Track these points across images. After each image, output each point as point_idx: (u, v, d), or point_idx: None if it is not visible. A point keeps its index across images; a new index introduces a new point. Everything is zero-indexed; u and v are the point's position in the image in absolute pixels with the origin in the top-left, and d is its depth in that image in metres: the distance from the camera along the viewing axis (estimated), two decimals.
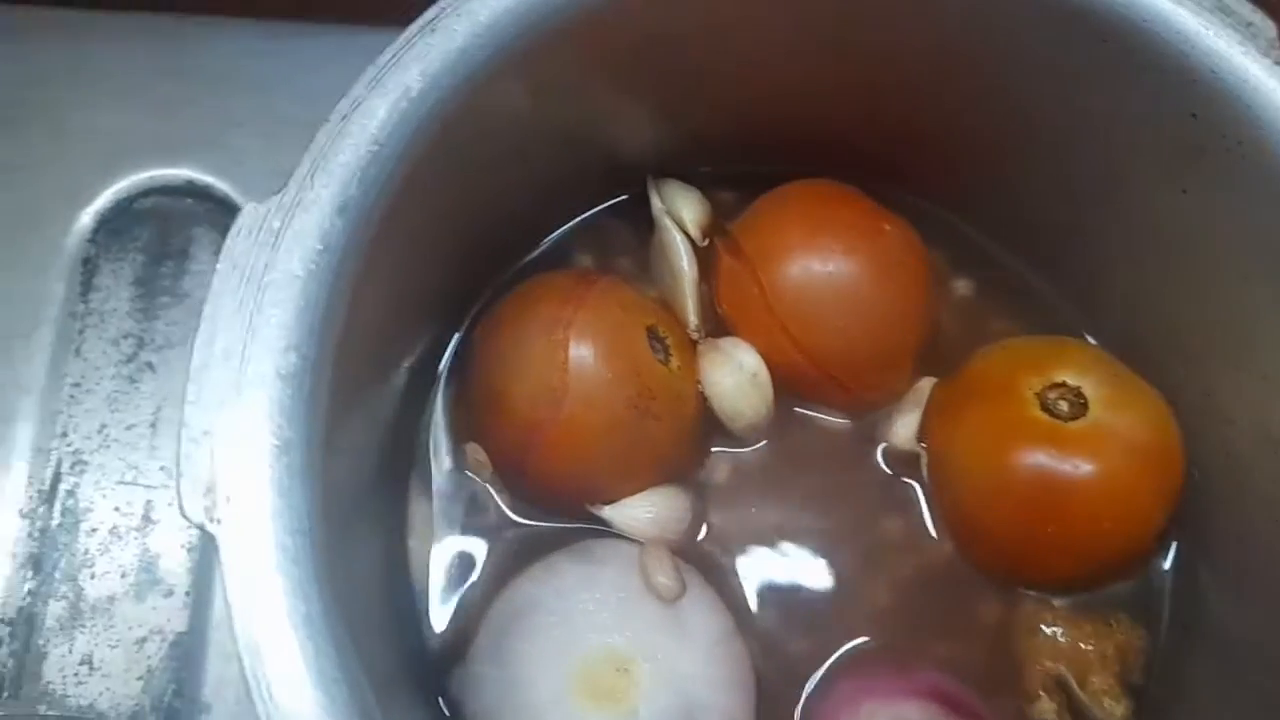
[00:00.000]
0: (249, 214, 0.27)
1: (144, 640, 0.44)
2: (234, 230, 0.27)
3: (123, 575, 0.45)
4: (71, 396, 0.47)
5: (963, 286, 0.44)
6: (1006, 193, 0.42)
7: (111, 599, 0.44)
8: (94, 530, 0.45)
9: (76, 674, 0.44)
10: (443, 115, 0.30)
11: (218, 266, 0.26)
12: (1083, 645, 0.37)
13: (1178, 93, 0.32)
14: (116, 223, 0.49)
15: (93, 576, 0.45)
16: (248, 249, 0.27)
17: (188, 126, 0.50)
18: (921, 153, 0.42)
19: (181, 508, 0.24)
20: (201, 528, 0.24)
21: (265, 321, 0.26)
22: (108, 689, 0.44)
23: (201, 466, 0.25)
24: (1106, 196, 0.38)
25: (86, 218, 0.49)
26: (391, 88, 0.29)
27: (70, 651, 0.44)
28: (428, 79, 0.29)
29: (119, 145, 0.50)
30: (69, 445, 0.46)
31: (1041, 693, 0.37)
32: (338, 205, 0.28)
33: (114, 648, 0.44)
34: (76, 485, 0.46)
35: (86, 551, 0.45)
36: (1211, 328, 0.37)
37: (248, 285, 0.27)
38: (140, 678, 0.44)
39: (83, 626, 0.44)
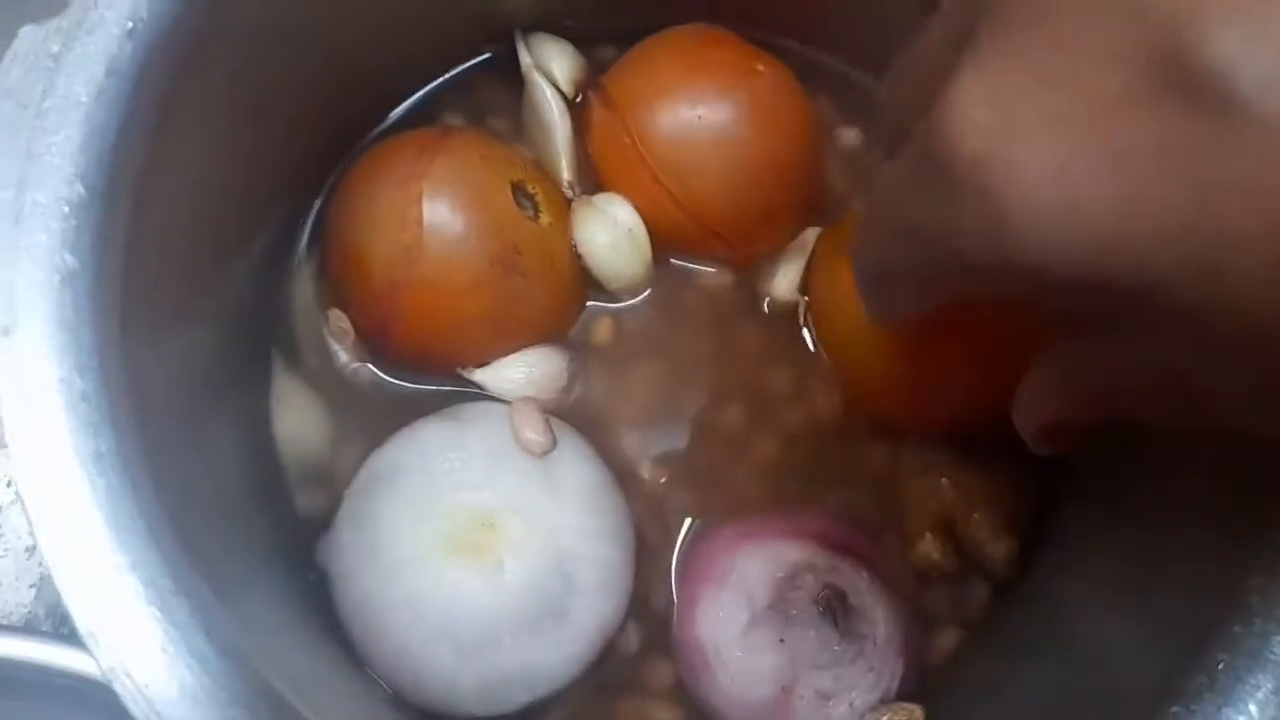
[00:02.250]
0: (25, 37, 0.25)
1: (33, 548, 0.43)
2: (8, 56, 0.25)
3: (9, 484, 0.44)
4: None
5: (849, 135, 0.42)
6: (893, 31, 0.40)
7: None
8: None
9: None
10: None
11: None
12: (968, 487, 0.36)
13: None
14: None
15: None
16: (23, 75, 0.25)
17: None
18: None
19: None
20: None
21: (45, 150, 0.25)
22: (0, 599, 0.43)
23: None
24: None
25: None
26: None
27: None
28: None
29: None
30: None
31: (928, 533, 0.36)
32: (125, 29, 0.26)
33: (3, 557, 0.43)
34: None
35: None
36: None
37: (25, 113, 0.25)
38: (33, 585, 0.43)
39: None
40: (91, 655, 0.23)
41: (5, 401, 0.23)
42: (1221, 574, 0.27)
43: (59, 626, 0.43)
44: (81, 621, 0.23)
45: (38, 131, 0.25)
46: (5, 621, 0.43)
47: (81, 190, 0.25)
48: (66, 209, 0.24)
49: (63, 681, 0.30)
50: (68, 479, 0.23)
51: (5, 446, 0.38)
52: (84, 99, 0.25)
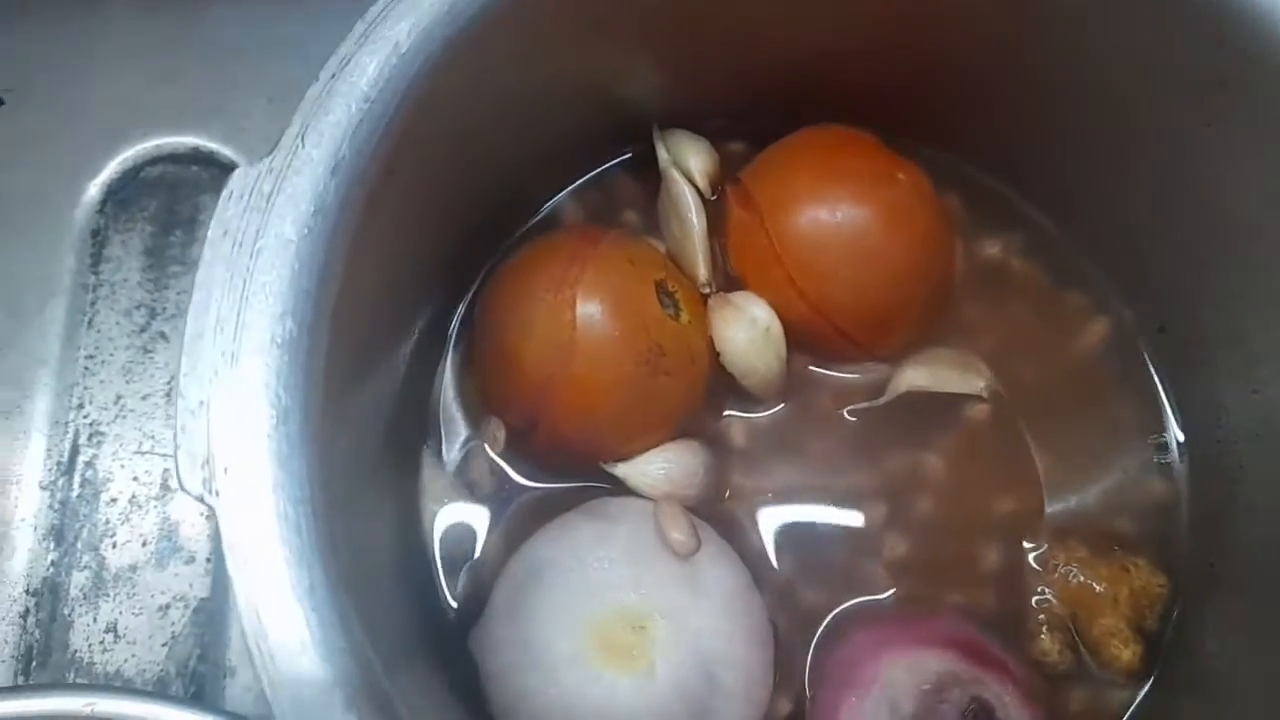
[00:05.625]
0: (239, 178, 0.27)
1: (167, 607, 0.44)
2: (224, 195, 0.26)
3: (144, 544, 0.45)
4: (86, 369, 0.47)
5: (990, 245, 0.43)
6: (1032, 149, 0.41)
7: (134, 567, 0.45)
8: (114, 500, 0.46)
9: (102, 642, 0.44)
10: (435, 70, 0.29)
11: (208, 234, 0.26)
12: (1096, 587, 0.37)
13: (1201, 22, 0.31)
14: (124, 193, 0.49)
15: (114, 546, 0.45)
16: (239, 214, 0.26)
17: (191, 94, 0.50)
18: (947, 101, 0.40)
19: (180, 481, 0.24)
20: (201, 500, 0.24)
21: (259, 288, 0.26)
22: (133, 656, 0.44)
23: (198, 439, 0.25)
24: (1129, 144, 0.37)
25: (94, 189, 0.49)
26: (381, 43, 0.28)
27: (95, 620, 0.44)
28: (418, 32, 0.29)
29: (123, 116, 0.50)
30: (85, 417, 0.47)
31: (1044, 632, 0.36)
32: (330, 166, 0.27)
33: (138, 615, 0.44)
34: (95, 456, 0.46)
35: (107, 521, 0.45)
36: (1242, 271, 0.36)
37: (240, 251, 0.26)
38: (165, 644, 0.44)
39: (106, 595, 0.44)
40: None
41: (227, 535, 0.24)
42: None
43: (189, 685, 0.44)
44: None
45: (252, 272, 0.26)
46: (139, 680, 0.45)
47: (292, 326, 0.26)
48: (279, 346, 0.25)
49: None
50: (287, 613, 0.24)
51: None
52: (293, 237, 0.26)
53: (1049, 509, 0.39)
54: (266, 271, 0.26)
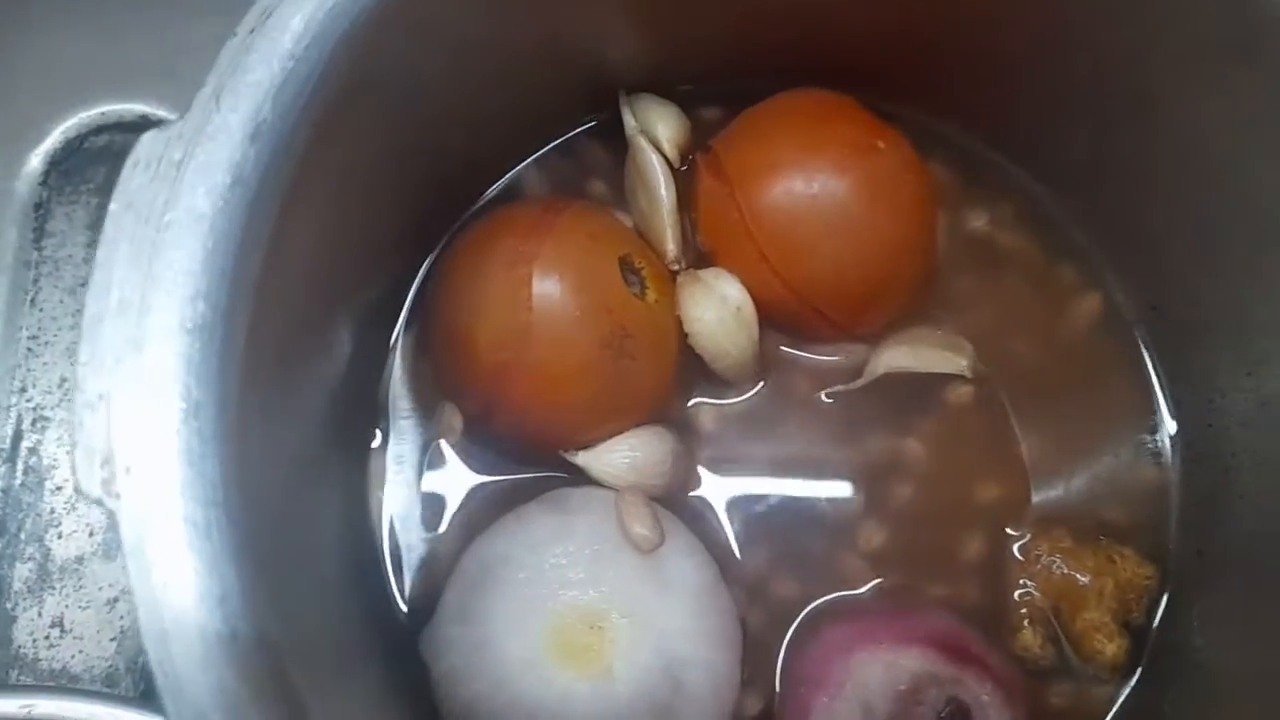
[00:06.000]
0: (146, 144, 0.24)
1: (115, 600, 0.42)
2: (129, 164, 0.24)
3: (91, 534, 0.43)
4: (29, 350, 0.45)
5: (977, 218, 0.40)
6: (1027, 113, 0.38)
7: (80, 559, 0.43)
8: (59, 488, 0.43)
9: (48, 637, 0.42)
10: (371, 24, 0.27)
11: (110, 207, 0.23)
12: (1080, 578, 0.35)
13: None
14: (67, 164, 0.47)
15: (59, 536, 0.43)
16: (145, 185, 0.24)
17: (139, 56, 0.47)
18: (933, 63, 0.38)
19: (76, 481, 0.22)
20: (99, 503, 0.22)
21: (167, 267, 0.23)
22: (80, 651, 0.42)
23: (97, 434, 0.22)
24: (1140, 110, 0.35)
25: (35, 160, 0.47)
26: None
27: (40, 615, 0.42)
28: None
29: (65, 81, 0.47)
30: (29, 401, 0.45)
31: (1026, 625, 0.35)
32: (249, 132, 0.25)
33: (85, 609, 0.42)
34: (39, 443, 0.44)
35: (52, 511, 0.43)
36: (1239, 248, 0.33)
37: (146, 227, 0.24)
38: (114, 639, 0.42)
39: (52, 588, 0.43)
40: None
41: (128, 542, 0.22)
42: None
43: (139, 682, 0.43)
44: None
45: (159, 249, 0.23)
46: (86, 676, 0.43)
47: (205, 310, 0.23)
48: (190, 332, 0.23)
49: None
50: (195, 630, 0.22)
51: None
52: (206, 211, 0.24)
53: (1035, 497, 0.38)
54: (175, 248, 0.24)
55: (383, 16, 0.27)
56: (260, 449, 0.26)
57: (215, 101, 0.25)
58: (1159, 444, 0.38)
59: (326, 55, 0.26)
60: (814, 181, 0.36)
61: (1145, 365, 0.39)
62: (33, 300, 0.45)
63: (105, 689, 0.42)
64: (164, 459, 0.22)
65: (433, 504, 0.36)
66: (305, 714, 0.23)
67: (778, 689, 0.35)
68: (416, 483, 0.37)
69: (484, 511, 0.35)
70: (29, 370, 0.45)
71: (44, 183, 0.47)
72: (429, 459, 0.37)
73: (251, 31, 0.25)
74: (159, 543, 0.22)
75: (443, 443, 0.37)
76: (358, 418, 0.36)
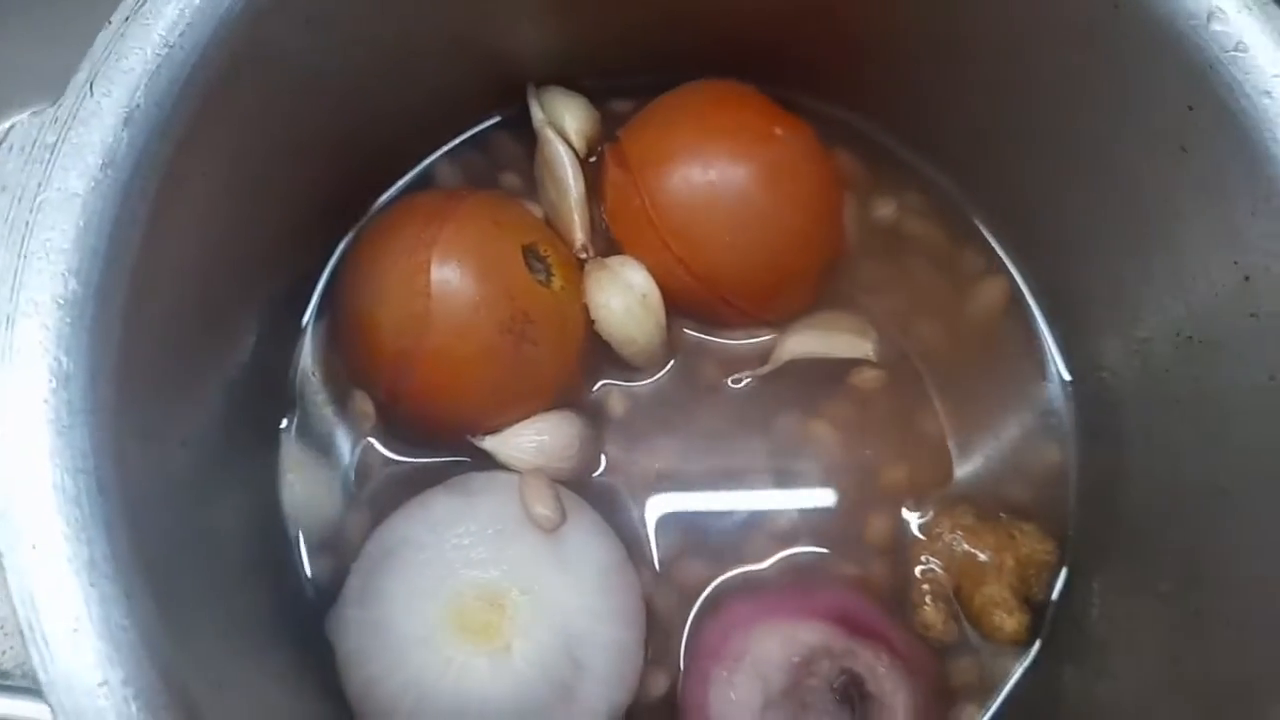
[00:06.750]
0: (20, 128, 0.25)
1: None
2: (4, 147, 0.25)
3: None
4: None
5: (884, 205, 0.41)
6: (927, 104, 0.39)
7: None
8: None
9: None
10: (254, 11, 0.27)
11: None
12: (980, 555, 0.35)
13: None
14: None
15: None
16: (19, 168, 0.25)
17: (79, 56, 0.48)
18: (839, 56, 0.38)
19: None
20: None
21: (39, 245, 0.24)
22: (10, 648, 0.42)
23: None
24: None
25: None
26: None
27: None
28: None
29: (1, 82, 0.47)
30: None
31: (927, 602, 0.35)
32: (122, 117, 0.25)
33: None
34: None
35: None
36: (1124, 224, 0.34)
37: (19, 206, 0.24)
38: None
39: None
40: None
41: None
42: None
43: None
44: None
45: (31, 227, 0.24)
46: (18, 673, 0.43)
47: (76, 286, 0.24)
48: (60, 307, 0.24)
49: None
50: (60, 588, 0.22)
51: None
52: (79, 191, 0.25)
53: (939, 477, 0.38)
54: (48, 228, 0.24)
55: (264, 8, 0.28)
56: (146, 426, 0.27)
57: (89, 87, 0.25)
58: (1058, 423, 0.39)
59: (202, 44, 0.27)
60: (711, 169, 0.36)
61: (1044, 347, 0.40)
62: None
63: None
64: (34, 427, 0.23)
65: (343, 488, 0.37)
66: (183, 679, 0.24)
67: (681, 667, 0.35)
68: (328, 467, 0.37)
69: (395, 496, 0.36)
70: None
71: None
72: (341, 444, 0.37)
73: (126, 19, 0.26)
74: (27, 507, 0.23)
75: (355, 428, 0.37)
76: (267, 402, 0.37)
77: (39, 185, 0.24)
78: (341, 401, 0.38)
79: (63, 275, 0.24)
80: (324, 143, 0.35)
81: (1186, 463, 0.33)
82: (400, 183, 0.40)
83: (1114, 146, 0.33)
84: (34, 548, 0.23)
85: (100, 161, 0.25)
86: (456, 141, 0.41)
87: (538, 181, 0.40)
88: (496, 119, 0.41)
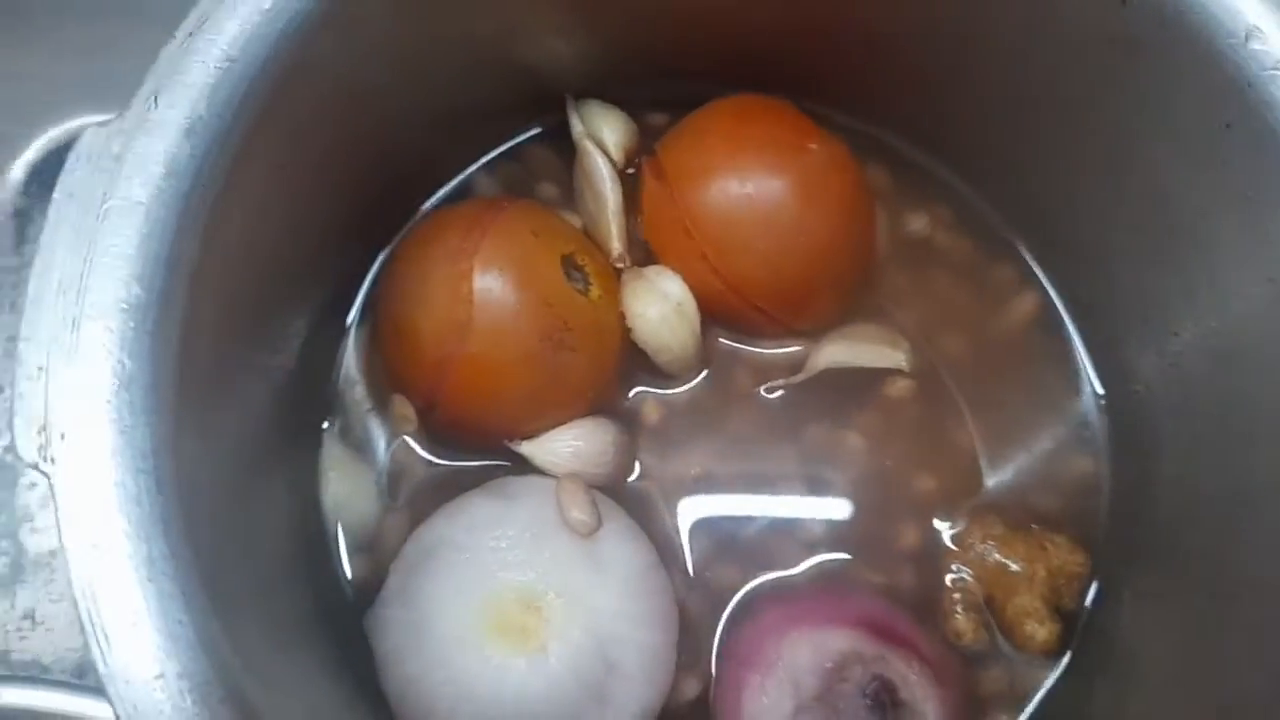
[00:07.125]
0: (88, 139, 0.26)
1: None
2: (72, 157, 0.25)
3: None
4: (7, 352, 0.46)
5: (916, 219, 0.42)
6: (960, 120, 0.40)
7: (53, 553, 0.44)
8: (33, 485, 0.45)
9: (19, 629, 0.43)
10: (307, 28, 0.28)
11: (54, 196, 0.25)
12: (1012, 565, 0.36)
13: None
14: (48, 173, 0.48)
15: (33, 531, 0.44)
16: (87, 176, 0.25)
17: (120, 67, 0.48)
18: (872, 72, 0.39)
19: (15, 448, 0.23)
20: (36, 468, 0.23)
21: (104, 251, 0.25)
22: (51, 644, 0.44)
23: (36, 404, 0.24)
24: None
25: (17, 170, 0.48)
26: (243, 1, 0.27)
27: (13, 607, 0.43)
28: None
29: (47, 91, 0.48)
30: (6, 401, 0.46)
31: (959, 611, 0.35)
32: (184, 128, 0.26)
33: (56, 602, 0.44)
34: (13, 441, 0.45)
35: (26, 506, 0.44)
36: (1158, 238, 0.35)
37: (86, 215, 0.25)
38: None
39: (24, 582, 0.44)
40: None
41: (62, 504, 0.23)
42: None
43: None
44: None
45: (97, 234, 0.25)
46: (57, 668, 0.44)
47: (139, 291, 0.25)
48: (124, 311, 0.25)
49: None
50: (120, 584, 0.23)
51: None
52: (142, 200, 0.25)
53: (970, 487, 0.39)
54: (113, 235, 0.25)
55: (317, 24, 0.29)
56: (200, 426, 0.28)
57: (153, 100, 0.26)
58: (1090, 435, 0.39)
59: (260, 58, 0.27)
60: (748, 182, 0.37)
61: (1076, 360, 0.40)
62: (13, 305, 0.47)
63: (74, 680, 0.43)
64: (97, 427, 0.24)
65: (382, 489, 0.38)
66: (235, 674, 0.25)
67: (714, 672, 0.36)
68: (368, 469, 0.38)
69: (433, 498, 0.37)
70: (6, 371, 0.46)
71: (25, 191, 0.48)
72: (381, 446, 0.38)
73: (189, 35, 0.27)
74: (90, 505, 0.23)
75: (395, 431, 0.38)
76: (311, 404, 0.37)
77: (104, 194, 0.25)
78: (382, 404, 0.38)
79: (126, 281, 0.25)
80: (368, 153, 0.35)
81: (1217, 474, 0.33)
82: (441, 192, 0.41)
83: (1150, 163, 0.34)
84: (95, 546, 0.23)
85: (163, 171, 0.26)
86: (495, 153, 0.41)
87: (576, 192, 0.41)
88: (536, 130, 0.42)
